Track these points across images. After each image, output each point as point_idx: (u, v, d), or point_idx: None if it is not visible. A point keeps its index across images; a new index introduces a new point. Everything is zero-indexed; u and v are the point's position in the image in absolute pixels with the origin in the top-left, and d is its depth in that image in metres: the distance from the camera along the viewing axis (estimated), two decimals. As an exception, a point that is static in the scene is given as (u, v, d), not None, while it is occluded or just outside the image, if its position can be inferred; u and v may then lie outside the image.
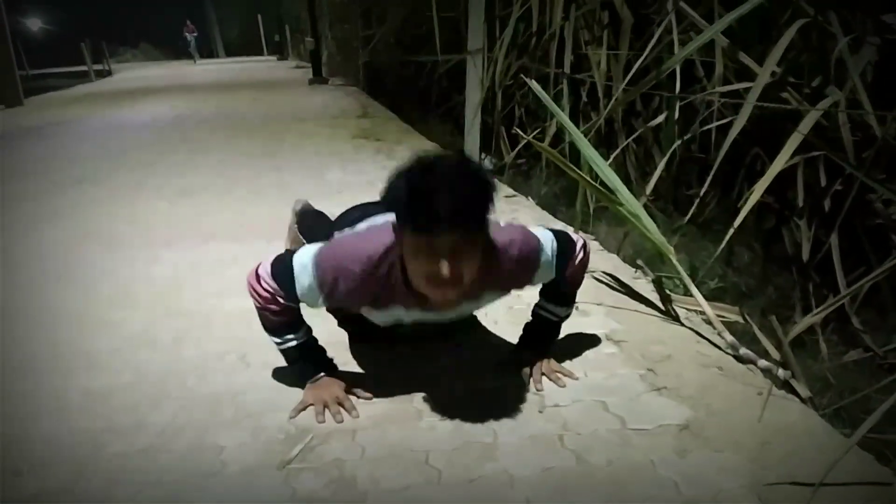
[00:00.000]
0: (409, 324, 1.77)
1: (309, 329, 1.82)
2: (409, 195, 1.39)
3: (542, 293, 1.95)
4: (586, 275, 2.57)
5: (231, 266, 2.90)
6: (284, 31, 24.40)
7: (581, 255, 1.83)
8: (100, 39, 21.48)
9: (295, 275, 1.63)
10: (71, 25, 28.40)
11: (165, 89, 13.60)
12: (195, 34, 27.62)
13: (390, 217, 1.51)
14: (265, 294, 1.68)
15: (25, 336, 2.33)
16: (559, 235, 1.78)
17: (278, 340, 1.79)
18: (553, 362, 1.91)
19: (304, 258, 1.63)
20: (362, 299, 1.65)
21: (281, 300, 1.67)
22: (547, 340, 1.97)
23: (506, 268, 1.63)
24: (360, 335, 2.14)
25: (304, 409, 1.77)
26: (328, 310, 2.11)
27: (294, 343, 1.78)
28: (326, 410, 1.75)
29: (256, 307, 1.74)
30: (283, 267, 1.66)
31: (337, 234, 1.92)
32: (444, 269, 1.40)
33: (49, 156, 6.14)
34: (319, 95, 10.85)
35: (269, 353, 2.00)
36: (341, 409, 1.75)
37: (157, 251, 3.18)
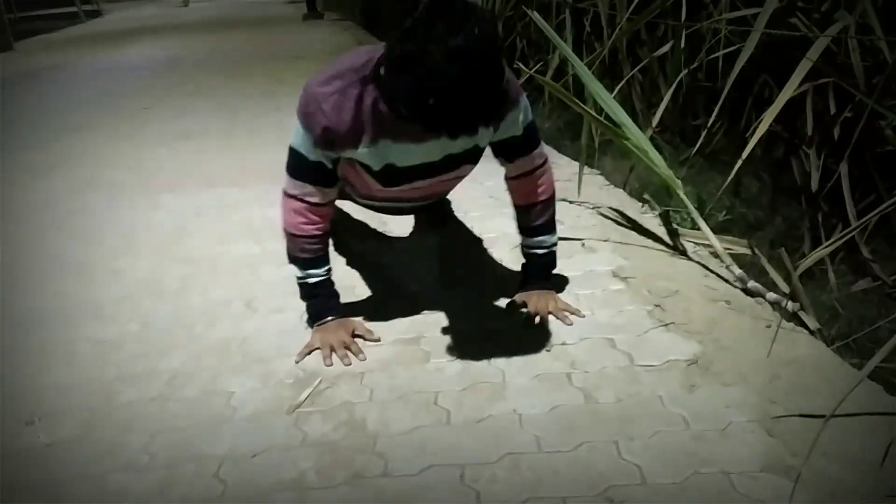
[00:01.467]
0: (402, 169, 1.66)
1: (330, 269, 1.81)
2: (412, 96, 1.29)
3: (522, 230, 1.92)
4: (593, 211, 2.57)
5: (234, 211, 2.88)
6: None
7: (543, 159, 1.80)
8: (88, -21, 21.00)
9: (295, 147, 1.62)
10: (59, -35, 27.71)
11: (158, 29, 13.32)
12: None
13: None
14: (297, 206, 1.66)
15: (31, 287, 2.33)
16: (535, 120, 1.76)
17: (300, 274, 1.78)
18: (560, 300, 1.91)
19: (293, 126, 1.61)
20: (344, 131, 1.54)
21: (312, 199, 1.65)
22: (545, 274, 1.96)
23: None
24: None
25: (310, 352, 1.78)
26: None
27: (313, 280, 1.78)
28: (334, 354, 1.75)
29: (291, 235, 1.73)
30: (289, 157, 1.65)
31: None
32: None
33: (45, 102, 6.07)
34: (315, 31, 10.62)
35: (276, 298, 2.01)
36: (349, 353, 1.75)
37: (159, 197, 3.16)
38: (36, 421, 1.59)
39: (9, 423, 1.60)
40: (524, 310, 1.90)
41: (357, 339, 1.81)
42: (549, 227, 1.91)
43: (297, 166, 1.64)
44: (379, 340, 1.82)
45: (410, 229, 2.49)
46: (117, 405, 1.65)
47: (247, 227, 2.69)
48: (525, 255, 1.95)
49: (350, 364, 1.73)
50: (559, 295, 1.94)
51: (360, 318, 1.89)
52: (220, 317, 2.04)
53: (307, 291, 1.82)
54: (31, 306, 2.19)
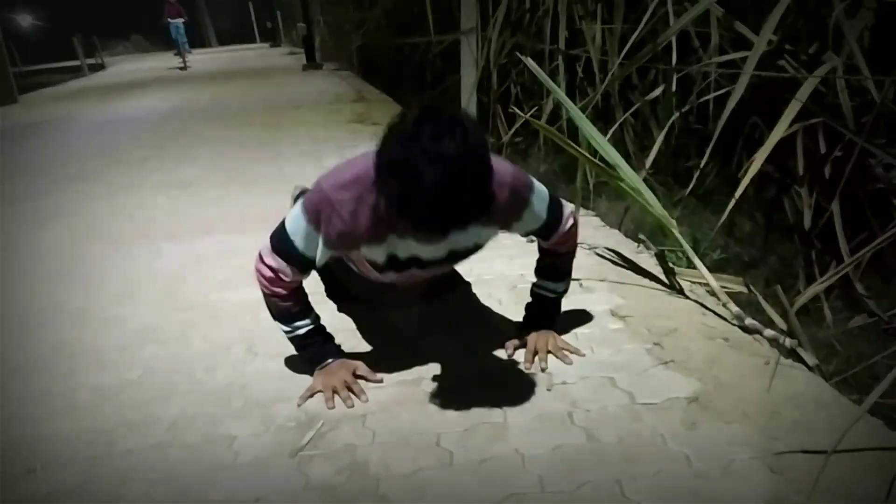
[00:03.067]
0: (404, 259, 1.68)
1: (317, 316, 1.83)
2: (401, 196, 1.31)
3: (537, 271, 1.95)
4: (589, 251, 2.59)
5: (233, 257, 2.90)
6: (276, 17, 24.24)
7: (571, 221, 1.82)
8: (91, 33, 21.39)
9: (289, 233, 1.63)
10: (62, 20, 28.17)
11: (159, 81, 13.54)
12: (183, 19, 17.23)
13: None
14: (269, 275, 1.68)
15: (31, 336, 2.33)
16: (552, 192, 1.77)
17: (287, 329, 1.79)
18: (559, 339, 1.92)
19: (294, 211, 1.63)
20: (357, 235, 1.57)
21: (284, 278, 1.67)
22: (549, 317, 1.98)
23: (495, 198, 1.51)
24: (348, 300, 2.18)
25: (311, 395, 1.78)
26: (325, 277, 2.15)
27: (302, 331, 1.79)
28: (336, 396, 1.75)
29: (264, 294, 1.74)
30: (277, 233, 1.66)
31: None
32: None
33: (46, 154, 6.13)
34: (314, 81, 10.79)
35: (276, 342, 2.00)
36: (351, 394, 1.76)
37: (159, 245, 3.18)
38: (38, 468, 1.59)
39: (9, 472, 1.59)
40: (523, 349, 1.91)
41: (359, 381, 1.81)
42: (564, 275, 1.94)
43: (286, 250, 1.65)
44: (381, 382, 1.83)
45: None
46: (118, 453, 1.64)
47: (246, 273, 2.66)
48: (532, 294, 1.97)
49: (352, 406, 1.73)
50: (558, 334, 1.95)
51: (360, 359, 1.90)
52: (221, 362, 2.04)
53: (299, 343, 1.83)
54: (30, 355, 2.19)
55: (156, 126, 7.28)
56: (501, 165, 1.61)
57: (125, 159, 5.47)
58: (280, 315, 1.78)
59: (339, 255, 1.73)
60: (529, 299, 1.98)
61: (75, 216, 3.86)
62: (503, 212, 1.62)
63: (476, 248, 1.76)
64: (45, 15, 31.07)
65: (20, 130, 7.85)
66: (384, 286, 1.93)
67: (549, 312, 1.98)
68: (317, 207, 1.57)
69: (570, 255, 1.91)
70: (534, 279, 1.96)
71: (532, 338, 1.91)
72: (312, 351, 1.84)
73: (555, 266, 1.92)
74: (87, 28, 21.81)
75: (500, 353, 1.94)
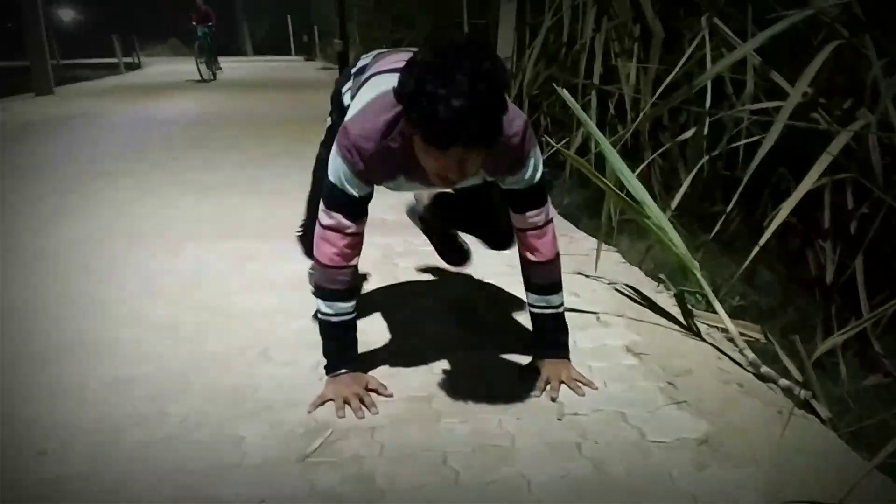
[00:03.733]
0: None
1: (355, 309, 1.84)
2: (421, 104, 1.40)
3: (528, 288, 1.94)
4: (608, 287, 2.59)
5: (254, 263, 2.93)
6: (313, 31, 24.54)
7: (549, 218, 1.86)
8: (131, 32, 21.74)
9: (334, 181, 1.69)
10: (103, 17, 28.70)
11: (192, 85, 13.72)
12: (211, 24, 15.17)
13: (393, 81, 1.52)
14: (331, 235, 1.73)
15: (50, 325, 2.36)
16: (545, 176, 1.83)
17: (326, 309, 1.81)
18: (573, 370, 1.92)
19: (331, 161, 1.69)
20: (391, 171, 1.70)
21: (347, 230, 1.72)
22: (560, 342, 1.97)
23: (506, 152, 1.66)
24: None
25: (322, 403, 1.79)
26: None
27: (337, 319, 1.81)
28: (346, 406, 1.76)
29: (324, 266, 1.77)
30: (326, 190, 1.72)
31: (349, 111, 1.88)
32: (453, 172, 1.50)
33: (78, 147, 6.23)
34: (345, 97, 10.88)
35: (290, 349, 2.03)
36: (362, 406, 1.76)
37: (182, 246, 3.22)
38: (48, 451, 1.60)
39: (22, 453, 1.61)
40: (537, 377, 1.91)
41: (370, 393, 1.82)
42: (555, 287, 1.93)
43: (338, 200, 1.70)
44: (392, 396, 1.83)
45: (426, 274, 2.53)
46: (127, 444, 1.65)
47: (265, 280, 2.73)
48: (533, 316, 1.97)
49: (363, 417, 1.74)
50: (572, 366, 1.95)
51: (372, 373, 1.91)
52: (234, 364, 2.06)
53: (328, 330, 1.84)
54: (49, 342, 2.21)
55: (185, 129, 7.38)
56: (517, 124, 1.66)
57: (153, 159, 5.55)
58: (330, 292, 1.79)
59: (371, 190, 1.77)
60: (533, 323, 1.98)
61: (100, 210, 3.92)
62: (506, 165, 1.71)
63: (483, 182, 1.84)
64: (87, 11, 31.68)
65: (53, 122, 7.98)
66: None
67: (556, 335, 1.97)
68: (345, 152, 1.64)
69: (555, 264, 1.90)
70: (528, 301, 1.96)
71: (547, 366, 1.92)
72: (336, 347, 1.85)
73: (543, 275, 1.90)
74: (127, 28, 22.22)
75: (514, 377, 1.95)
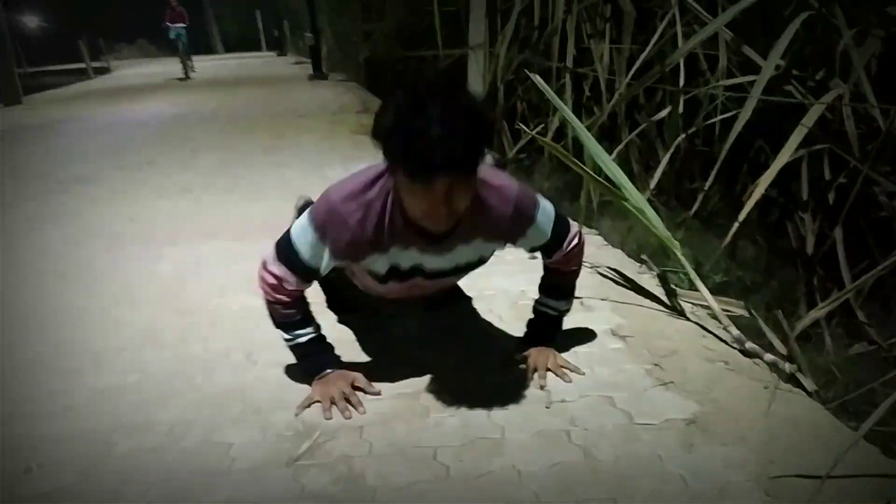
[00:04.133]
0: (407, 270, 1.72)
1: (318, 326, 1.83)
2: (400, 137, 1.37)
3: (541, 288, 1.95)
4: (591, 270, 2.59)
5: (234, 263, 2.90)
6: (283, 26, 24.34)
7: (576, 240, 1.83)
8: (97, 36, 21.49)
9: (295, 243, 1.64)
10: (68, 22, 28.24)
11: (164, 86, 13.59)
12: (184, 25, 15.23)
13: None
14: (272, 282, 1.68)
15: (31, 336, 2.33)
16: (558, 210, 1.80)
17: (287, 337, 1.80)
18: (559, 357, 1.92)
19: (300, 221, 1.64)
20: (364, 243, 1.59)
21: (288, 287, 1.68)
22: (550, 335, 1.98)
23: (500, 213, 1.61)
24: (348, 311, 2.23)
25: (309, 405, 1.78)
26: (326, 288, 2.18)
27: (303, 339, 1.79)
28: (334, 406, 1.75)
29: (267, 301, 1.75)
30: (283, 242, 1.67)
31: None
32: (440, 208, 1.43)
33: (50, 154, 6.14)
34: (319, 91, 10.83)
35: (276, 350, 2.00)
36: (349, 405, 1.75)
37: (160, 249, 3.18)
38: (34, 468, 1.58)
39: (8, 470, 1.59)
40: (523, 365, 1.91)
41: (357, 392, 1.81)
42: (568, 294, 1.95)
43: (291, 259, 1.66)
44: (379, 394, 1.82)
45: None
46: (115, 455, 1.63)
47: (247, 280, 2.67)
48: (535, 311, 1.97)
49: (350, 417, 1.73)
50: (558, 352, 1.95)
51: (359, 370, 1.90)
52: (220, 368, 2.04)
53: (299, 351, 1.84)
54: (30, 354, 2.18)
55: (159, 131, 7.31)
56: (507, 182, 1.64)
57: (128, 163, 5.49)
58: (281, 323, 1.78)
59: (344, 266, 1.73)
60: (531, 315, 1.99)
61: (77, 218, 3.86)
62: (508, 227, 1.66)
63: (480, 261, 1.79)
64: (52, 17, 31.21)
65: (24, 131, 7.87)
66: (385, 299, 1.94)
67: (550, 330, 1.98)
68: (324, 218, 1.58)
69: (575, 273, 1.92)
70: (537, 296, 1.97)
71: (532, 355, 1.91)
72: (312, 360, 1.84)
73: (559, 284, 1.92)
74: (93, 31, 21.93)
75: (500, 369, 1.94)
